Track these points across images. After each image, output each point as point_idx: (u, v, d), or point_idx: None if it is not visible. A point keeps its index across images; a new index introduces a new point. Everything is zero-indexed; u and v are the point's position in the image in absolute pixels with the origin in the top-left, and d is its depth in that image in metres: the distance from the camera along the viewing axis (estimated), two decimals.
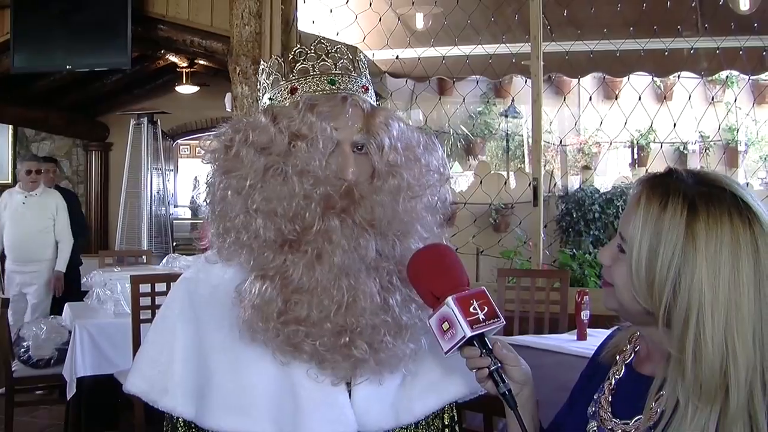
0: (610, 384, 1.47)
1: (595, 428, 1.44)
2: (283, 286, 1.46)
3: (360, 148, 1.54)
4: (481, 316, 1.40)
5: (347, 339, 1.45)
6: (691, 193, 1.27)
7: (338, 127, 1.51)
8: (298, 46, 1.62)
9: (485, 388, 1.47)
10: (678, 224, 1.25)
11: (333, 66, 1.59)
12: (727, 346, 1.21)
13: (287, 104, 1.55)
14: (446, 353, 1.42)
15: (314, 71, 1.58)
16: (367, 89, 1.63)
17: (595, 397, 1.49)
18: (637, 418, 1.36)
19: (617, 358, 1.50)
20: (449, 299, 1.40)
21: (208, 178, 1.57)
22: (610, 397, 1.45)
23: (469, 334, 1.39)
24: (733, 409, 1.21)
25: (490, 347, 1.43)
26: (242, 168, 1.49)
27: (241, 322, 1.47)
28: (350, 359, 1.47)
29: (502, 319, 1.43)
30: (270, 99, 1.60)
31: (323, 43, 1.62)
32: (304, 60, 1.59)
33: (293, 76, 1.58)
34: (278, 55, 1.65)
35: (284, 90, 1.58)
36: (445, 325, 1.41)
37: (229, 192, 1.50)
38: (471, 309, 1.40)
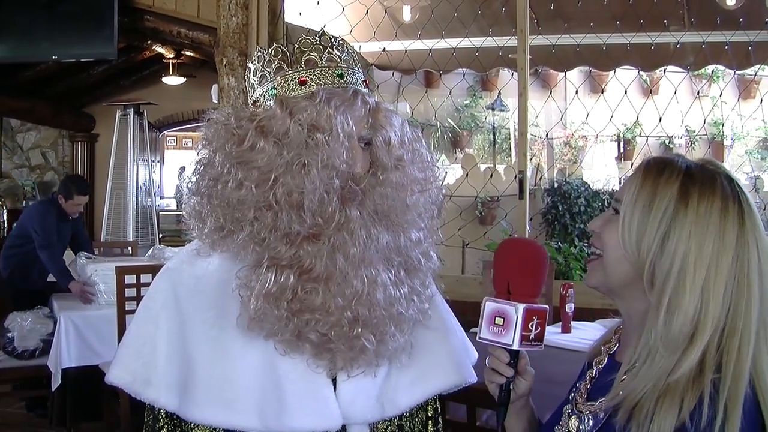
0: (592, 372, 1.51)
1: (569, 411, 1.48)
2: (300, 274, 1.47)
3: (365, 143, 1.56)
4: (532, 336, 1.44)
5: (359, 330, 1.47)
6: (688, 165, 1.36)
7: (351, 121, 1.52)
8: (303, 36, 1.62)
9: (489, 387, 1.52)
10: (674, 183, 1.33)
11: (338, 59, 1.60)
12: (702, 303, 1.28)
13: (298, 95, 1.55)
14: (480, 339, 1.46)
15: (322, 63, 1.58)
16: (366, 84, 1.65)
17: (577, 384, 1.53)
18: (601, 399, 1.40)
19: (602, 348, 1.54)
20: (521, 306, 1.42)
21: (217, 167, 1.53)
22: (589, 385, 1.49)
23: (515, 347, 1.43)
24: (690, 362, 1.26)
25: (517, 361, 1.48)
26: (261, 160, 1.48)
27: (250, 310, 1.47)
28: (354, 349, 1.48)
29: (543, 346, 1.46)
30: (274, 88, 1.58)
31: (327, 35, 1.62)
32: (310, 51, 1.58)
33: (300, 66, 1.58)
34: (279, 43, 1.64)
35: (292, 80, 1.57)
36: (499, 320, 1.43)
37: (247, 183, 1.48)
38: (530, 325, 1.43)
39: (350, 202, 1.50)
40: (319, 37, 1.61)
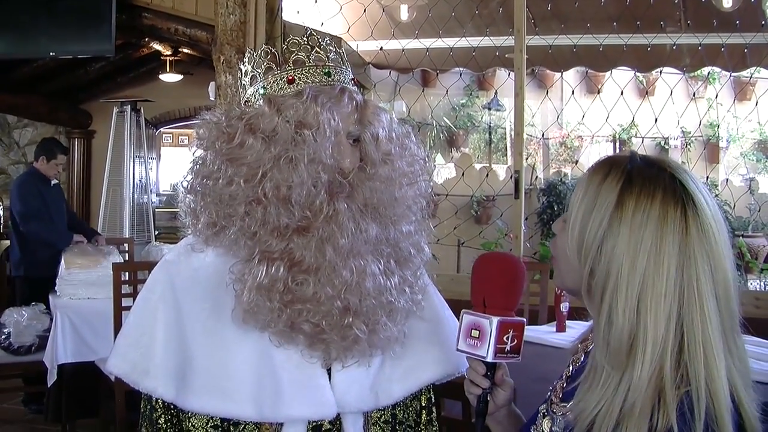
0: (568, 371, 1.51)
1: (544, 411, 1.49)
2: (290, 266, 1.50)
3: (354, 139, 1.59)
4: (508, 348, 1.46)
5: (350, 319, 1.50)
6: (631, 169, 1.29)
7: (338, 117, 1.55)
8: (291, 37, 1.66)
9: (468, 398, 1.55)
10: (611, 192, 1.27)
11: (326, 58, 1.63)
12: (639, 317, 1.22)
13: (286, 93, 1.58)
14: (458, 351, 1.49)
15: (309, 62, 1.62)
16: (355, 82, 1.69)
17: (554, 383, 1.54)
18: (572, 401, 1.37)
19: (579, 346, 1.54)
20: (495, 320, 1.44)
21: (209, 165, 1.57)
22: (564, 384, 1.49)
23: (489, 360, 1.45)
24: (636, 381, 1.21)
25: (494, 372, 1.50)
26: (250, 157, 1.52)
27: (244, 302, 1.50)
28: (347, 339, 1.51)
29: (520, 357, 1.48)
30: (264, 88, 1.62)
31: (315, 35, 1.66)
32: (297, 51, 1.62)
33: (288, 66, 1.61)
34: (268, 45, 1.68)
35: (280, 80, 1.61)
36: (475, 333, 1.46)
37: (236, 179, 1.52)
38: (505, 337, 1.45)
39: (338, 195, 1.53)
40: (307, 37, 1.65)
